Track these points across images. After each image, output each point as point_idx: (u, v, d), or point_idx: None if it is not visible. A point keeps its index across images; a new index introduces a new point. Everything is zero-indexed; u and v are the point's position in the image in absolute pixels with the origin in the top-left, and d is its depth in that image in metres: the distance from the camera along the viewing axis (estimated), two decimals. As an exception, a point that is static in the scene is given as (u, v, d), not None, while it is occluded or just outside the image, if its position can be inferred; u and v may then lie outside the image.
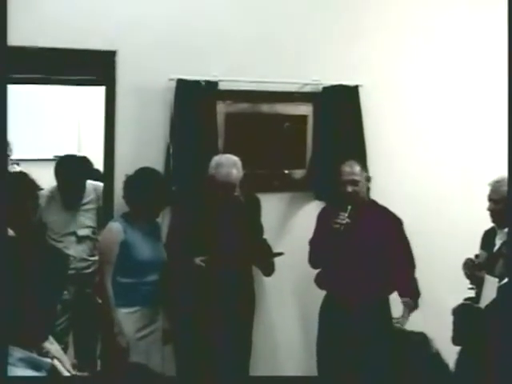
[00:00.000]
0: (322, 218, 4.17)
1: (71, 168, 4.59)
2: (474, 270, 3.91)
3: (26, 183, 3.62)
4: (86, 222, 4.54)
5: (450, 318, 3.44)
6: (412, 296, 4.06)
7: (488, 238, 4.02)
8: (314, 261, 4.15)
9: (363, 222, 3.99)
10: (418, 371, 1.84)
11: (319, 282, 4.15)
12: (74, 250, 4.43)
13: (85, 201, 4.58)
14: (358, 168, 4.07)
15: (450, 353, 3.01)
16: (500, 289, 3.27)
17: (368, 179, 4.14)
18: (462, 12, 4.72)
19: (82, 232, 4.51)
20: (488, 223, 4.03)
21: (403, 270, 4.10)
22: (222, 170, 3.88)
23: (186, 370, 3.98)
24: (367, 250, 3.99)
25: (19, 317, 1.78)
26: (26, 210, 3.52)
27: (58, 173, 4.57)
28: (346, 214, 3.96)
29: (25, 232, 3.10)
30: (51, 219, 4.48)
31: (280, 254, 3.99)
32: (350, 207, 3.98)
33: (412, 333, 1.98)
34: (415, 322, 2.71)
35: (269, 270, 4.05)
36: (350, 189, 4.02)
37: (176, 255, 3.92)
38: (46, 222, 4.46)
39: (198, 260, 3.84)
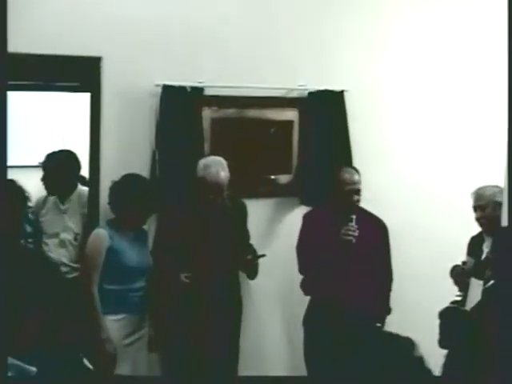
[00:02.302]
0: (310, 224, 4.14)
1: (60, 160, 4.61)
2: (461, 277, 3.93)
3: (14, 190, 3.60)
4: (69, 225, 4.54)
5: (436, 322, 3.45)
6: (381, 312, 4.07)
7: (475, 244, 4.03)
8: (307, 268, 4.10)
9: (359, 230, 3.97)
10: (402, 375, 1.86)
11: (306, 288, 4.14)
12: (56, 253, 4.44)
13: (72, 204, 4.59)
14: (358, 176, 4.08)
15: (436, 355, 3.03)
16: (485, 291, 3.29)
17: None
18: (447, 16, 4.75)
19: (64, 235, 4.51)
20: (472, 230, 4.05)
21: (381, 286, 4.10)
22: (210, 170, 3.88)
23: (173, 377, 3.98)
24: (363, 258, 3.99)
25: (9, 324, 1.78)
26: (15, 217, 3.50)
27: (46, 165, 4.61)
28: (355, 225, 3.94)
29: (14, 239, 3.08)
30: (43, 219, 4.55)
31: (262, 255, 3.99)
32: (354, 217, 3.97)
33: (398, 337, 1.99)
34: (401, 326, 2.72)
35: (253, 273, 4.06)
36: (355, 198, 4.03)
37: (162, 266, 3.92)
38: (40, 224, 4.53)
39: (183, 276, 3.84)
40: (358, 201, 4.05)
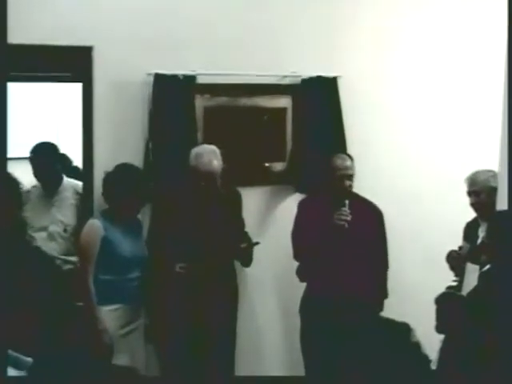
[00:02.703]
0: (305, 211, 4.14)
1: (45, 153, 4.58)
2: (457, 261, 3.93)
3: (9, 182, 3.57)
4: (58, 217, 4.50)
5: (432, 307, 3.46)
6: (378, 298, 4.08)
7: (471, 229, 4.03)
8: (302, 255, 4.10)
9: (354, 216, 3.97)
10: (398, 360, 1.85)
11: (302, 274, 4.14)
12: (45, 247, 4.32)
13: (60, 196, 4.55)
14: (350, 161, 4.07)
15: (433, 340, 3.04)
16: (481, 276, 3.29)
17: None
18: (442, 3, 4.73)
19: (53, 228, 4.47)
20: (468, 215, 4.05)
21: (377, 272, 4.11)
22: (202, 159, 3.88)
23: (170, 368, 3.98)
24: (357, 243, 4.00)
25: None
26: (11, 210, 3.47)
27: (32, 159, 4.56)
28: (348, 210, 3.94)
29: (10, 231, 3.06)
30: (28, 214, 4.43)
31: (256, 243, 3.99)
32: (347, 201, 3.96)
33: (394, 322, 1.99)
34: (398, 311, 2.72)
35: (247, 261, 4.06)
36: (347, 183, 4.02)
37: (157, 256, 3.91)
38: (24, 217, 4.43)
39: (177, 267, 3.84)
40: (351, 186, 4.04)
